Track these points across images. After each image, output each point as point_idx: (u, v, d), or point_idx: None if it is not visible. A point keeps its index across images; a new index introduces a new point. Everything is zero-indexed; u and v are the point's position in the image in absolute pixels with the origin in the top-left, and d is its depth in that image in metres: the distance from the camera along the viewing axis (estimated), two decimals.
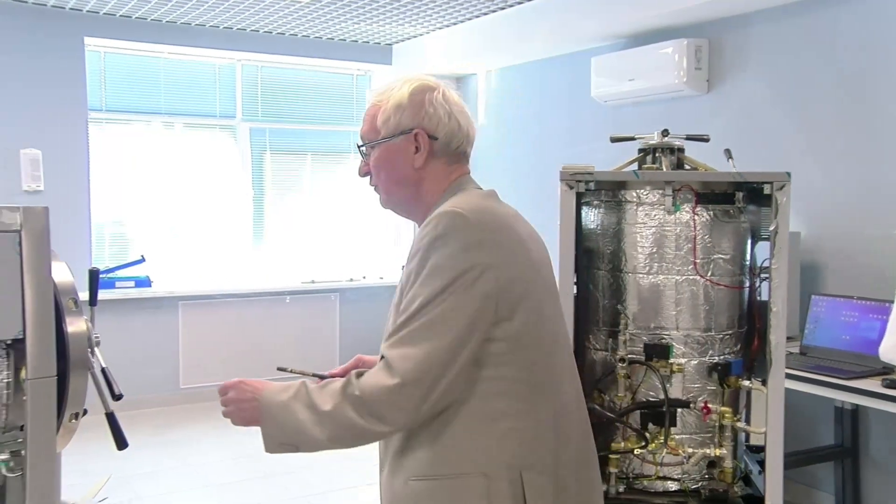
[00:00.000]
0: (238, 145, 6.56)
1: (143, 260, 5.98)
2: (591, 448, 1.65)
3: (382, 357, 1.45)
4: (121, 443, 1.62)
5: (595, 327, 2.39)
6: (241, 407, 1.50)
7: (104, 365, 1.66)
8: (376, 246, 7.05)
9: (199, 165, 6.44)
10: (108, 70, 6.02)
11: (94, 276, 1.76)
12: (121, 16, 5.74)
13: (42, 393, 1.37)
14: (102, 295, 5.82)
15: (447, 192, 1.59)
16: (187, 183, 6.38)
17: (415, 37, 6.48)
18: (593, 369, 2.39)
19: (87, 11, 5.63)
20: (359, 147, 1.65)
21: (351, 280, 6.71)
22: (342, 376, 1.51)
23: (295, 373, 1.65)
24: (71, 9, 5.57)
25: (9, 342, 1.39)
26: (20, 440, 1.41)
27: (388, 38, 6.52)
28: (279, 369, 1.70)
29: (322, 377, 1.59)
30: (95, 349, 1.61)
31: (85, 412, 2.73)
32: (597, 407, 2.29)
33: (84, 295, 1.63)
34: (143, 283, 6.01)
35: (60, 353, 1.50)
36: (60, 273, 1.49)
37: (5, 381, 1.42)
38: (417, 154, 1.57)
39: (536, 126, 6.03)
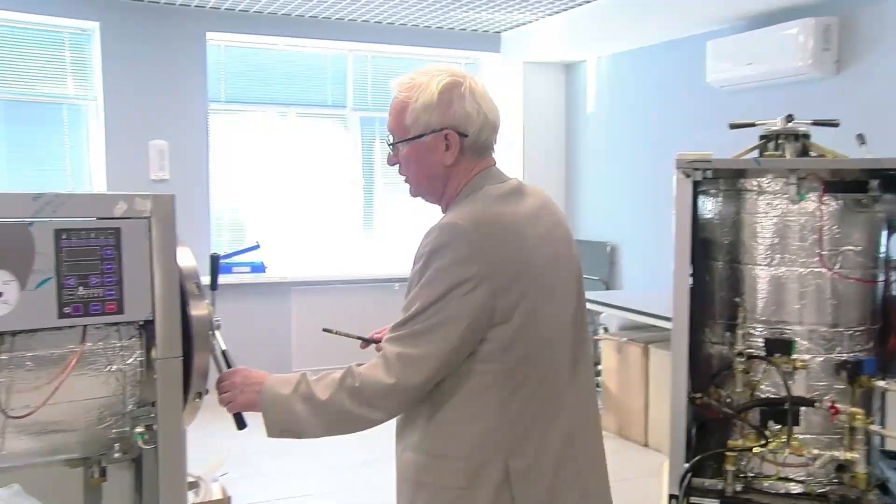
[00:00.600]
0: (349, 134, 6.68)
1: (257, 246, 6.19)
2: (597, 437, 1.70)
3: (380, 349, 1.55)
4: (240, 423, 1.67)
5: (711, 320, 2.31)
6: (245, 391, 1.60)
7: (224, 347, 1.72)
8: None
9: (311, 154, 6.60)
10: (227, 63, 6.25)
11: (214, 261, 1.83)
12: (240, 10, 5.94)
13: (170, 372, 1.43)
14: (220, 279, 6.07)
15: (467, 188, 1.62)
16: (300, 171, 6.56)
17: (523, 24, 6.42)
18: (709, 363, 2.31)
19: (210, 8, 5.85)
20: (388, 141, 1.67)
21: None
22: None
23: (340, 334, 1.76)
24: (195, 6, 5.81)
25: (141, 323, 1.45)
26: (153, 415, 1.47)
27: (497, 25, 6.48)
28: (324, 330, 1.83)
29: (365, 340, 1.75)
30: (216, 332, 1.67)
31: (207, 391, 2.85)
32: (713, 402, 2.21)
33: (206, 279, 1.69)
34: (258, 268, 6.22)
35: (185, 335, 1.57)
36: (184, 258, 1.55)
37: (138, 359, 1.49)
38: (448, 152, 1.59)
39: (648, 114, 5.87)
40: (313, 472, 4.50)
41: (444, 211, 1.64)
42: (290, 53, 6.45)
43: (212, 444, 4.53)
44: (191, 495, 3.53)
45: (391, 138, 1.65)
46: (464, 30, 6.61)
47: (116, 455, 1.53)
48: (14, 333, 1.36)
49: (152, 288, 1.41)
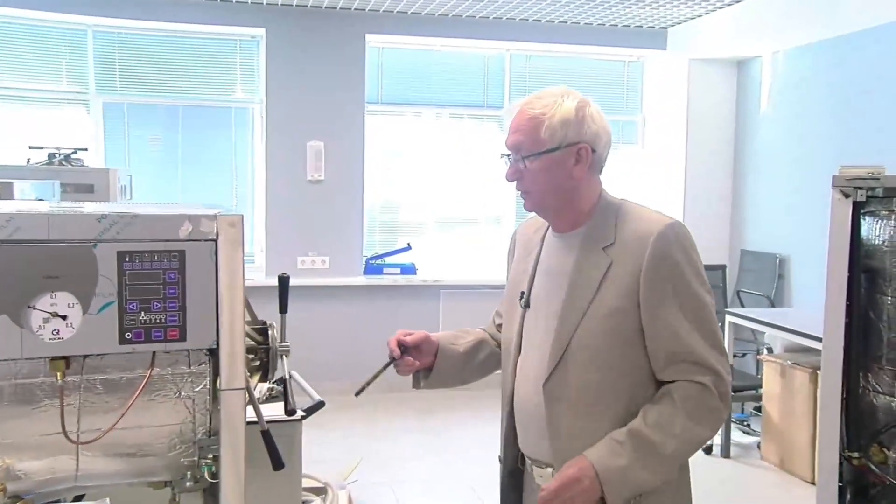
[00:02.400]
0: (500, 147, 6.54)
1: (409, 248, 6.20)
2: None
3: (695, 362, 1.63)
4: (276, 463, 1.57)
5: (876, 365, 1.96)
6: (584, 497, 1.57)
7: (288, 375, 1.64)
8: None
9: (466, 156, 6.53)
10: (385, 64, 6.30)
11: (283, 283, 1.75)
12: (398, 12, 5.96)
13: (233, 403, 1.36)
14: (372, 280, 6.13)
15: (604, 203, 1.72)
16: (454, 173, 6.51)
17: (691, 18, 6.02)
18: (873, 416, 1.97)
19: (369, 10, 5.92)
20: (508, 155, 1.70)
21: None
22: (405, 349, 1.81)
23: (370, 383, 1.78)
24: (355, 9, 5.89)
25: (207, 351, 1.39)
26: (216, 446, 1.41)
27: (663, 20, 6.12)
28: (357, 395, 1.82)
29: (393, 360, 1.80)
30: (283, 358, 1.59)
31: (322, 404, 2.82)
32: (874, 466, 1.88)
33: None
34: (409, 270, 6.23)
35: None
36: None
37: (206, 387, 1.43)
38: (577, 166, 1.66)
39: (832, 115, 5.30)
40: (451, 483, 4.41)
41: (568, 227, 1.72)
42: (447, 54, 6.41)
43: (349, 447, 4.57)
44: (318, 501, 3.53)
45: (519, 153, 1.68)
46: (627, 26, 6.30)
47: (188, 484, 1.48)
48: (84, 357, 1.33)
49: (217, 315, 1.34)
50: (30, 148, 4.86)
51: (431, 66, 6.40)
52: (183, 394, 1.42)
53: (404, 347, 1.82)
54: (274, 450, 1.52)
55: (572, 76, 6.60)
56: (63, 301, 1.26)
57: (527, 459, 1.80)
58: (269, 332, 1.65)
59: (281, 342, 1.70)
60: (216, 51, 6.06)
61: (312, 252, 6.08)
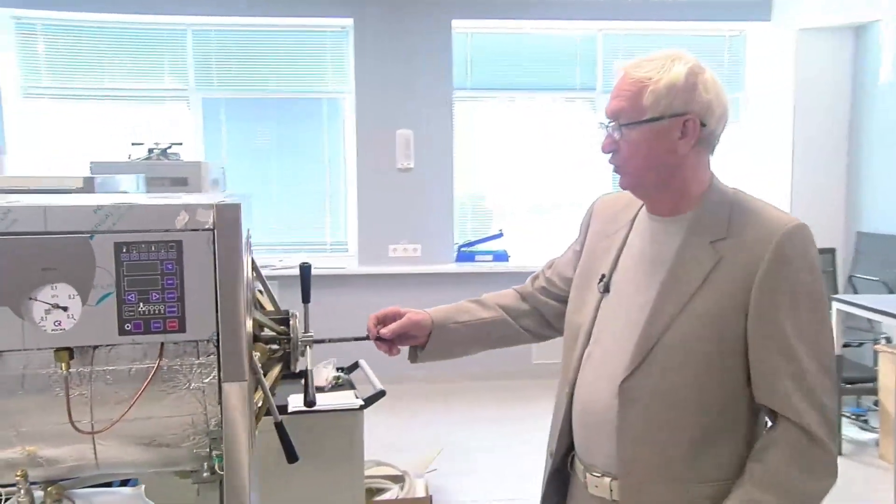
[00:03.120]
0: (598, 117, 6.35)
1: (501, 234, 6.12)
2: None
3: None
4: (290, 456, 1.54)
5: None
6: None
7: (310, 367, 1.61)
8: None
9: (557, 139, 6.38)
10: (473, 50, 6.22)
11: (305, 272, 1.71)
12: None
13: (232, 396, 1.34)
14: (464, 268, 6.09)
15: (723, 192, 1.54)
16: (545, 157, 6.37)
17: None
18: None
19: None
20: (606, 124, 1.52)
21: None
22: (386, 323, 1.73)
23: (330, 341, 1.67)
24: None
25: (215, 342, 1.37)
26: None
27: None
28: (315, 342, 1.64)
29: (366, 338, 1.71)
30: (308, 348, 1.56)
31: (383, 393, 2.80)
32: None
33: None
34: (501, 257, 6.15)
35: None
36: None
37: (216, 378, 1.41)
38: (682, 140, 1.47)
39: None
40: (526, 475, 4.31)
41: (667, 211, 1.56)
42: (536, 37, 6.27)
43: (428, 435, 4.56)
44: (395, 489, 3.54)
45: (617, 120, 1.50)
46: None
47: (205, 474, 1.47)
48: (95, 347, 1.34)
49: (216, 305, 1.32)
50: (132, 144, 5.08)
51: (521, 49, 6.27)
52: (193, 385, 1.41)
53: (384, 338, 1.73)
54: (288, 443, 1.49)
55: None
56: (64, 292, 1.27)
57: (577, 462, 1.64)
58: (291, 323, 1.63)
59: (305, 333, 1.67)
60: (307, 43, 6.16)
61: (404, 240, 6.09)
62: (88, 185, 3.00)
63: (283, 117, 6.20)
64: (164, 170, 4.85)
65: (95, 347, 1.35)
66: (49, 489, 1.55)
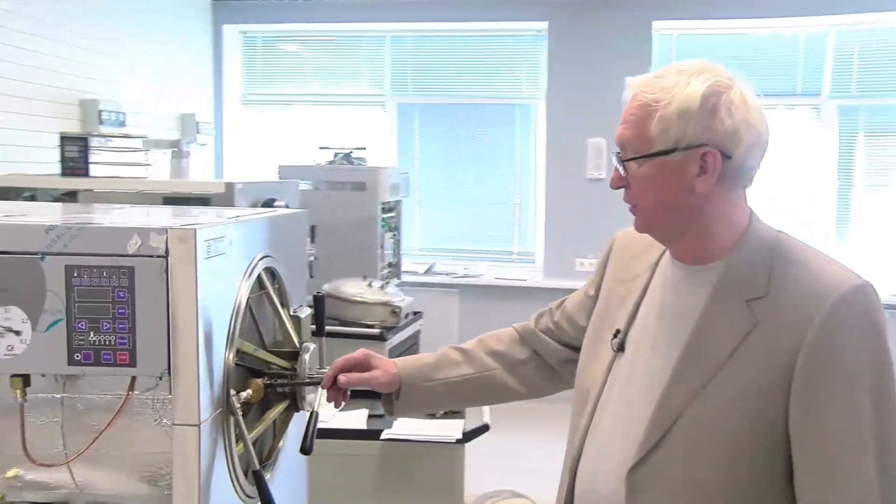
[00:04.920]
0: (823, 126, 5.60)
1: None
2: None
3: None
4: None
5: None
6: None
7: (317, 406, 1.44)
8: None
9: (776, 151, 5.70)
10: (677, 53, 5.74)
11: (319, 303, 1.54)
12: None
13: (184, 440, 1.20)
14: None
15: (762, 238, 1.25)
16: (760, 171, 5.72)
17: None
18: None
19: None
20: (616, 156, 1.26)
21: None
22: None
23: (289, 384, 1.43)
24: None
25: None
26: None
27: None
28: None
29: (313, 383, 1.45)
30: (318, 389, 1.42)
31: (486, 428, 2.56)
32: None
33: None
34: None
35: None
36: None
37: None
38: (701, 178, 1.20)
39: None
40: None
41: (688, 259, 1.27)
42: (749, 37, 5.66)
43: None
44: None
45: (623, 152, 1.25)
46: None
47: None
48: (72, 375, 1.28)
49: (168, 339, 1.19)
50: (319, 148, 5.24)
51: (731, 51, 5.68)
52: (165, 421, 1.31)
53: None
54: (265, 495, 1.33)
55: None
56: (16, 316, 1.21)
57: None
58: (300, 357, 1.47)
59: (319, 369, 1.51)
60: (501, 47, 6.03)
61: (591, 254, 5.75)
62: (229, 192, 3.06)
63: (475, 123, 6.12)
64: (344, 174, 4.94)
65: (78, 374, 1.28)
66: None
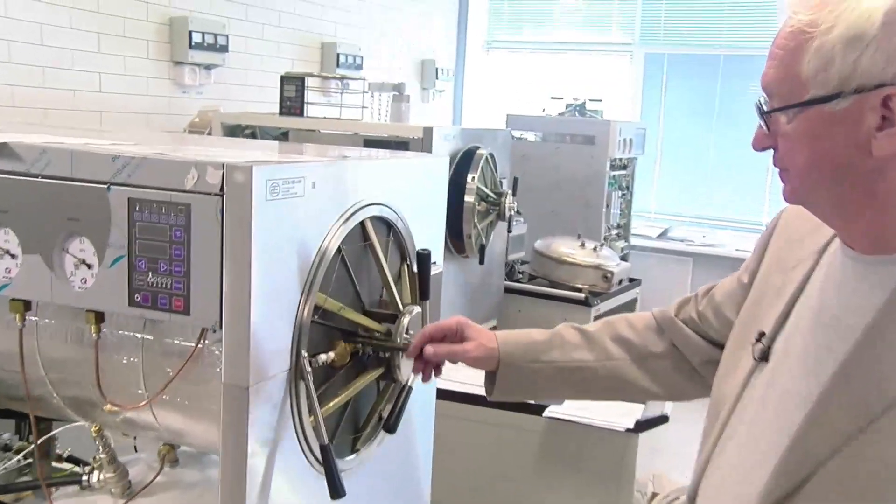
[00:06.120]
0: None
1: None
2: None
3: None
4: (332, 490, 1.18)
5: None
6: None
7: (411, 383, 1.26)
8: None
9: None
10: None
11: (423, 261, 1.32)
12: None
13: (233, 403, 1.07)
14: None
15: None
16: None
17: None
18: None
19: None
20: (759, 107, 0.94)
21: None
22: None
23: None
24: None
25: None
26: None
27: None
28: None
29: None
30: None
31: (664, 419, 2.23)
32: None
33: None
34: None
35: None
36: None
37: None
38: (884, 133, 0.85)
39: None
40: None
41: (861, 243, 0.93)
42: None
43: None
44: None
45: (767, 101, 0.93)
46: None
47: None
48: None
49: (221, 289, 1.06)
50: (550, 98, 4.99)
51: None
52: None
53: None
54: (331, 474, 1.17)
55: None
56: (89, 248, 1.15)
57: None
58: (398, 321, 1.30)
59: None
60: None
61: None
62: (427, 137, 2.95)
63: (731, 77, 5.50)
64: (573, 126, 4.67)
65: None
66: (160, 448, 1.50)
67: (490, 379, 1.28)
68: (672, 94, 5.69)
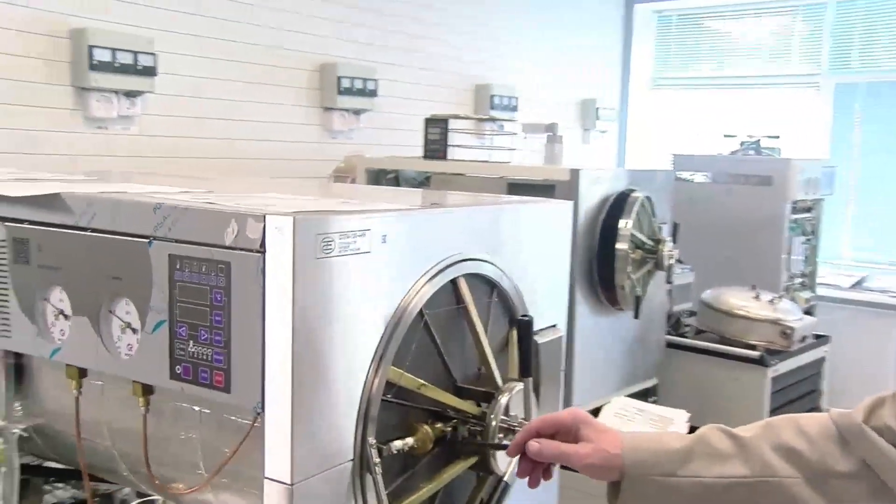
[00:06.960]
0: None
1: None
2: None
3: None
4: None
5: None
6: None
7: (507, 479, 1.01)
8: None
9: None
10: None
11: (524, 330, 1.07)
12: None
13: (274, 496, 0.88)
14: None
15: None
16: None
17: None
18: None
19: None
20: None
21: None
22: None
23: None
24: None
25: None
26: None
27: None
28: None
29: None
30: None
31: None
32: None
33: None
34: None
35: None
36: None
37: None
38: None
39: None
40: None
41: None
42: None
43: None
44: None
45: None
46: None
47: None
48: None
49: (262, 360, 0.88)
50: (724, 136, 4.58)
51: None
52: None
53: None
54: None
55: None
56: (134, 312, 1.01)
57: None
58: (493, 401, 1.07)
59: (523, 420, 1.09)
60: None
61: None
62: (574, 180, 2.69)
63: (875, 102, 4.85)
64: (746, 166, 4.23)
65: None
66: None
67: (613, 491, 1.00)
68: (868, 127, 5.08)
